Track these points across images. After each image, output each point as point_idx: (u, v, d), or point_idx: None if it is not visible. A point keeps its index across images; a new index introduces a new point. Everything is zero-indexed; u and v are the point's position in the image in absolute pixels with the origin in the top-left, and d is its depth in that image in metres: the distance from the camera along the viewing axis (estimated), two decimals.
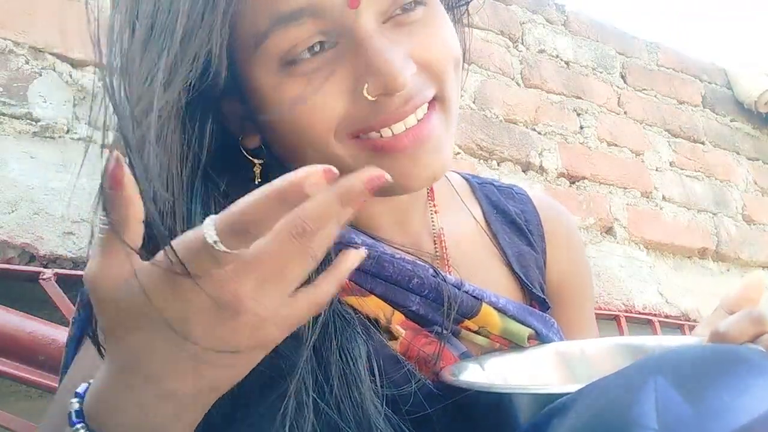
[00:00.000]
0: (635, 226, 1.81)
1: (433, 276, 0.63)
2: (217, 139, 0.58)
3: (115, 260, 0.38)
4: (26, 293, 0.95)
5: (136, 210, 0.38)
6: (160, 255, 0.38)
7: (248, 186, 0.55)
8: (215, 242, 0.35)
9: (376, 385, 0.55)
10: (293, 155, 0.58)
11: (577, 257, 0.82)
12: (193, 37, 0.49)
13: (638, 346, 0.62)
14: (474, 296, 0.65)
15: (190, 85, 0.50)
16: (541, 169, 1.70)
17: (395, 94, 0.52)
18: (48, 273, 0.94)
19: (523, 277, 0.73)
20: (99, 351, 0.52)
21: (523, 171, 1.68)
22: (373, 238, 0.64)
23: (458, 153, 1.56)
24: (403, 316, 0.62)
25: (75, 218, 1.03)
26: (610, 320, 1.59)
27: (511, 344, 0.67)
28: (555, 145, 1.76)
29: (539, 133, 1.75)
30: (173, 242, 0.37)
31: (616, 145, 1.91)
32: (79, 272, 0.98)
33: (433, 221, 0.71)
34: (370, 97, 0.52)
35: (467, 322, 0.64)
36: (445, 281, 0.63)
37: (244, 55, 0.54)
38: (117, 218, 0.38)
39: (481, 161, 1.60)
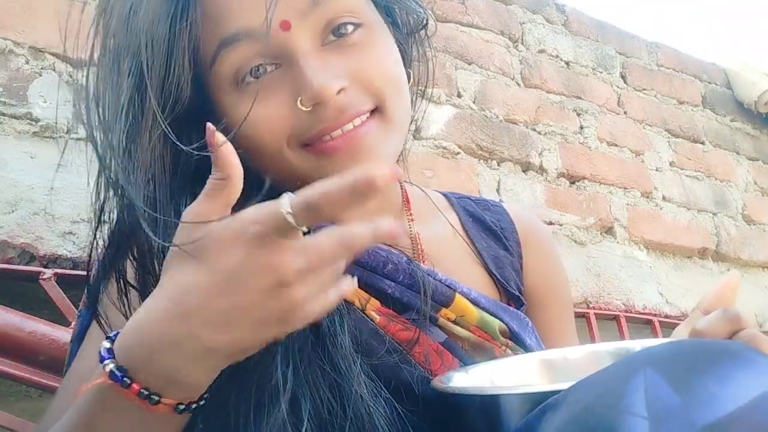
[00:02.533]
0: (635, 226, 1.81)
1: (407, 263, 0.66)
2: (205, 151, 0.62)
3: (215, 204, 0.45)
4: (26, 293, 0.95)
5: (235, 170, 0.45)
6: (241, 214, 0.43)
7: None
8: (288, 213, 0.41)
9: (358, 353, 0.58)
10: (260, 166, 0.62)
11: (553, 262, 0.85)
12: (160, 61, 0.55)
13: (623, 351, 0.62)
14: (447, 285, 0.68)
15: (164, 103, 0.56)
16: (541, 169, 1.70)
17: (328, 104, 0.57)
18: (48, 273, 0.94)
19: (499, 276, 0.76)
20: (101, 326, 0.59)
21: (523, 171, 1.68)
22: None
23: (458, 153, 1.56)
24: (378, 303, 0.64)
25: (75, 218, 1.03)
26: (610, 320, 1.59)
27: (491, 337, 0.68)
28: (555, 145, 1.76)
29: (539, 133, 1.75)
30: (252, 208, 0.43)
31: (616, 145, 1.91)
32: (80, 272, 0.98)
33: (410, 227, 0.74)
34: (304, 108, 0.57)
35: (445, 311, 0.67)
36: (419, 268, 0.66)
37: (205, 79, 0.60)
38: (221, 174, 0.45)
39: (481, 161, 1.60)
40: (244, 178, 0.62)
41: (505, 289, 0.76)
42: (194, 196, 0.53)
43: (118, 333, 0.47)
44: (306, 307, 0.44)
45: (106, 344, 0.47)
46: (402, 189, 0.77)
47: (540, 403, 0.42)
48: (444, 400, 0.59)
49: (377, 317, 0.63)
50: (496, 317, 0.69)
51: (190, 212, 0.46)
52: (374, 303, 0.64)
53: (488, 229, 0.80)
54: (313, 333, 0.57)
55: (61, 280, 0.95)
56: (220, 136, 0.44)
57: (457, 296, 0.68)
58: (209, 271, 0.43)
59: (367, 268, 0.65)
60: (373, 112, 0.61)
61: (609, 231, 1.76)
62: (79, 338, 0.66)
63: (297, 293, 0.43)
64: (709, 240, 1.95)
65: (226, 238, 0.43)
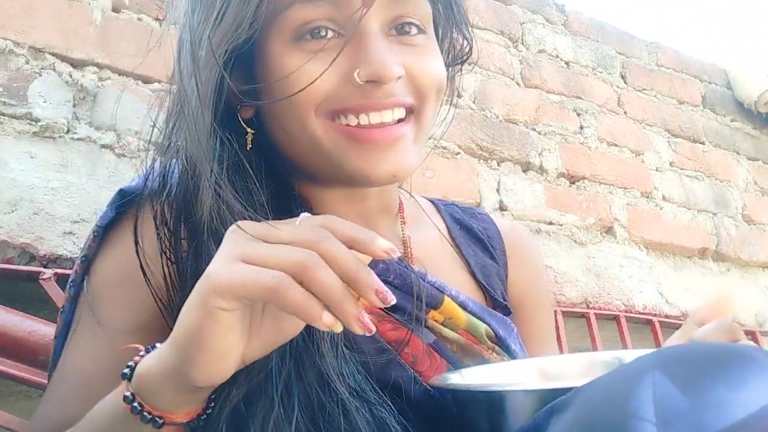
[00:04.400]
0: (635, 226, 1.81)
1: (398, 263, 0.67)
2: (226, 98, 0.65)
3: None
4: (26, 293, 0.95)
5: None
6: None
7: (243, 147, 0.64)
8: None
9: (350, 350, 0.60)
10: (279, 128, 0.65)
11: (537, 273, 0.86)
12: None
13: (617, 361, 0.62)
14: (437, 288, 0.69)
15: (230, 38, 0.59)
16: (541, 169, 1.70)
17: (381, 85, 0.60)
18: (48, 273, 0.94)
19: (486, 285, 0.77)
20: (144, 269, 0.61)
21: (523, 171, 1.68)
22: None
23: (458, 153, 1.56)
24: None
25: (75, 218, 1.03)
26: (611, 320, 1.59)
27: (478, 341, 0.70)
28: (555, 145, 1.76)
29: (539, 133, 1.75)
30: None
31: (616, 145, 1.91)
32: None
33: (402, 231, 0.76)
34: (359, 80, 0.60)
35: (433, 313, 0.68)
36: (411, 270, 0.68)
37: (265, 23, 0.61)
38: None
39: (481, 161, 1.60)
40: (269, 176, 0.65)
41: (491, 297, 0.77)
42: (216, 139, 0.59)
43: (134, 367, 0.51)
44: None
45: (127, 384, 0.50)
46: (397, 194, 0.78)
47: (547, 402, 0.41)
48: (433, 399, 0.60)
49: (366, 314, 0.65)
50: (482, 321, 0.71)
51: None
52: (364, 302, 0.65)
53: (475, 236, 0.81)
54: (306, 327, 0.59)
55: (61, 280, 0.95)
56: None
57: (446, 299, 0.69)
58: None
59: None
60: (409, 114, 0.64)
61: (609, 231, 1.76)
62: (63, 334, 0.67)
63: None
64: (709, 240, 1.95)
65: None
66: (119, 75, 1.16)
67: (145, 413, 0.49)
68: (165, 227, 0.62)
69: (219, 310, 0.44)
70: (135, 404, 0.49)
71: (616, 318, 1.59)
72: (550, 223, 1.65)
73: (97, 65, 1.14)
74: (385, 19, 0.62)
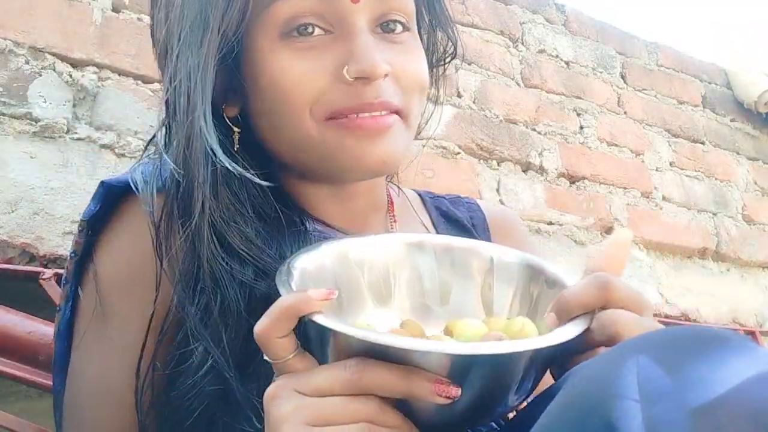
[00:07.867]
0: (635, 226, 1.81)
1: None
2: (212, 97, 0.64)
3: None
4: (26, 293, 0.95)
5: None
6: None
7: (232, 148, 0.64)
8: None
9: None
10: (269, 126, 0.65)
11: (521, 239, 0.86)
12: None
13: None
14: None
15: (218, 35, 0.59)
16: (541, 169, 1.70)
17: (370, 83, 0.59)
18: (48, 273, 0.94)
19: None
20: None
21: (523, 171, 1.68)
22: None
23: (458, 153, 1.56)
24: None
25: (75, 218, 1.03)
26: None
27: None
28: (555, 145, 1.76)
29: (539, 133, 1.75)
30: None
31: (616, 145, 1.91)
32: None
33: (392, 227, 0.76)
34: (348, 77, 0.59)
35: None
36: None
37: (251, 19, 0.61)
38: None
39: (481, 161, 1.60)
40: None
41: None
42: (215, 138, 0.59)
43: None
44: None
45: None
46: (387, 190, 0.79)
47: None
48: None
49: None
50: None
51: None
52: None
53: (461, 226, 0.82)
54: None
55: (61, 280, 0.95)
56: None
57: None
58: None
59: None
60: (395, 113, 0.63)
61: (609, 231, 1.76)
62: (64, 336, 0.66)
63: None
64: (709, 240, 1.95)
65: None
66: (119, 75, 1.16)
67: None
68: (163, 223, 0.61)
69: None
70: None
71: None
72: (550, 223, 1.65)
73: (97, 65, 1.14)
74: (372, 15, 0.62)
